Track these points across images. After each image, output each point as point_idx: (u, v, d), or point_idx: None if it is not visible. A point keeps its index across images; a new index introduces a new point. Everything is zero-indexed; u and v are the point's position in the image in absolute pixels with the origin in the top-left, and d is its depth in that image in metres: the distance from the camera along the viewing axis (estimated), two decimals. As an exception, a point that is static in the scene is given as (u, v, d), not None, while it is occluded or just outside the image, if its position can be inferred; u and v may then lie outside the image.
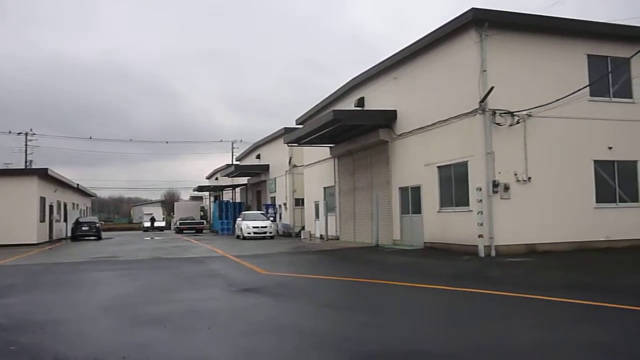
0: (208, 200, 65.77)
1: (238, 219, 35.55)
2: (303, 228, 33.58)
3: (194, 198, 76.86)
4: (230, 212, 44.66)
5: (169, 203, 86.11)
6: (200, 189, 57.63)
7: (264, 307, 9.40)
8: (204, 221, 53.43)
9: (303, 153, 33.20)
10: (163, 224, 64.04)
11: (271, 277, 13.59)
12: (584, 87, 17.04)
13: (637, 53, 16.06)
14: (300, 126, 29.71)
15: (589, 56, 18.14)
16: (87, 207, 60.91)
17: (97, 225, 40.93)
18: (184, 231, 48.31)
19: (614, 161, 18.21)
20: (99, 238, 39.53)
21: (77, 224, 39.92)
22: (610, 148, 18.07)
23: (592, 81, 17.55)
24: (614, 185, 18.19)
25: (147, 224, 59.81)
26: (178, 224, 50.52)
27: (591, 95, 17.82)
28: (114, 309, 9.39)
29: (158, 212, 69.30)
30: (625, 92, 18.61)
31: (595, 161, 17.96)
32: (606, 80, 18.20)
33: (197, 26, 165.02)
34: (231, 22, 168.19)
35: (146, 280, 13.58)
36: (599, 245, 17.34)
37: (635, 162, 18.52)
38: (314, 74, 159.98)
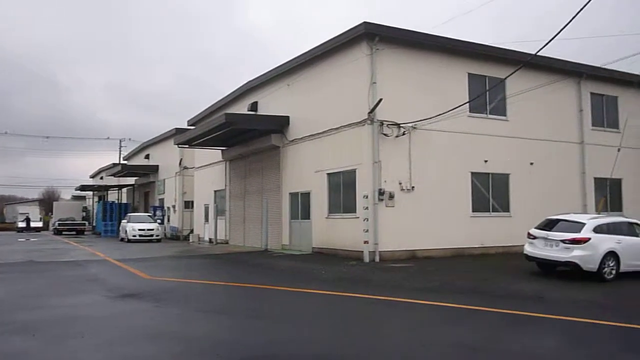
0: (92, 200, 62.58)
1: (123, 221, 34.16)
2: (192, 231, 32.90)
3: (76, 198, 72.56)
4: (115, 213, 42.71)
5: (47, 202, 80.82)
6: (83, 188, 54.69)
7: (144, 313, 9.14)
8: (86, 222, 50.67)
9: (194, 155, 32.56)
10: (40, 224, 60.02)
11: (154, 282, 13.21)
12: (464, 104, 18.14)
13: (511, 74, 17.35)
14: (193, 127, 29.12)
15: (470, 75, 19.38)
16: (-48, 205, 55.75)
17: (-37, 225, 37.62)
18: (63, 232, 45.56)
19: (489, 173, 19.55)
20: (-35, 239, 36.37)
21: (-61, 223, 36.46)
22: (486, 161, 19.38)
23: (472, 98, 18.73)
24: (488, 196, 19.53)
25: (22, 224, 55.76)
26: (57, 224, 47.59)
27: (470, 111, 19.04)
28: (-23, 316, 8.70)
29: (35, 212, 64.58)
30: (500, 110, 20.06)
31: (472, 173, 19.19)
32: (484, 98, 19.51)
33: (87, 14, 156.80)
34: (123, 14, 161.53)
35: (17, 286, 12.72)
36: (474, 252, 18.53)
37: (507, 175, 19.99)
38: (209, 75, 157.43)
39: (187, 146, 27.56)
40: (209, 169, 30.21)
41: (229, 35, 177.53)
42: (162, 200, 39.24)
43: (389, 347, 6.90)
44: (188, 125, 31.74)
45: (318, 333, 7.72)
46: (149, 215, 34.86)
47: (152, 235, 31.03)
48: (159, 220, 34.84)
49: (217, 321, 8.63)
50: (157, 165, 40.33)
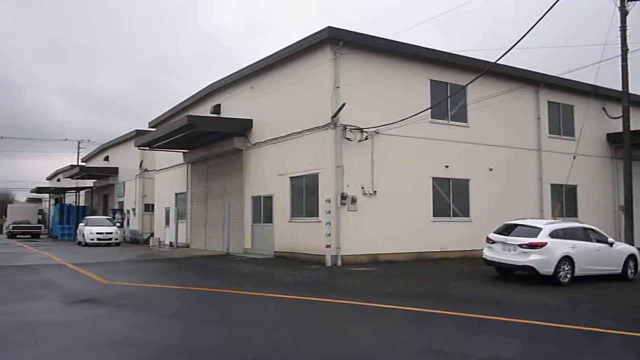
0: (48, 203, 61.00)
1: (80, 224, 33.35)
2: (152, 235, 32.36)
3: (31, 200, 70.69)
4: (72, 216, 41.75)
5: (1, 205, 78.41)
6: (40, 190, 53.28)
7: (101, 319, 8.92)
8: (42, 225, 49.38)
9: (155, 157, 32.06)
10: (-7, 227, 58.29)
11: (113, 286, 12.93)
12: (426, 110, 18.38)
13: (472, 81, 17.68)
14: (154, 129, 28.69)
15: (432, 81, 19.64)
16: None
17: None
18: (18, 236, 44.29)
19: (449, 179, 19.83)
20: None
21: None
22: (447, 167, 19.66)
23: (433, 105, 18.99)
24: (449, 201, 19.80)
25: (-26, 228, 54.04)
26: (11, 227, 46.24)
27: (432, 117, 19.29)
28: None
29: (-13, 215, 62.63)
30: (461, 116, 20.39)
31: (433, 178, 19.42)
32: (445, 105, 19.79)
33: (44, 11, 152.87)
34: (84, 12, 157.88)
35: (-33, 291, 12.24)
36: (435, 256, 18.75)
37: (467, 180, 20.32)
38: (171, 77, 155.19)
39: (148, 148, 27.13)
40: (170, 171, 29.79)
41: (192, 37, 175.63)
42: (121, 203, 38.52)
43: (353, 352, 6.90)
44: (149, 127, 31.26)
45: (281, 338, 7.66)
46: (107, 219, 34.17)
47: (110, 239, 30.38)
48: (118, 224, 34.22)
49: (175, 327, 8.49)
50: (117, 168, 39.58)
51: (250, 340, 7.41)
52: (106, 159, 42.20)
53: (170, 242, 28.20)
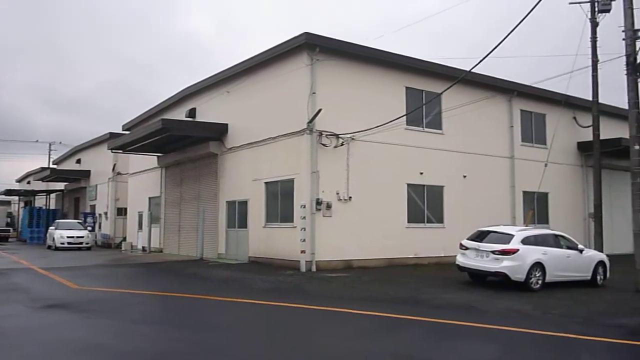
0: (17, 205, 59.83)
1: (51, 228, 32.77)
2: (124, 239, 31.92)
3: (0, 203, 69.31)
4: (42, 219, 41.11)
5: (-32, 207, 76.56)
6: (9, 192, 52.25)
7: (70, 325, 8.75)
8: (11, 229, 48.38)
9: (129, 161, 31.68)
10: (-41, 230, 56.83)
11: (83, 292, 12.70)
12: (401, 117, 18.51)
13: (447, 89, 17.85)
14: (128, 132, 28.38)
15: (407, 88, 19.78)
16: None
17: None
18: (-15, 240, 43.25)
19: (424, 185, 19.97)
20: None
21: None
22: (421, 173, 19.80)
23: (408, 112, 19.13)
24: (423, 207, 19.94)
25: (-62, 231, 52.56)
26: (-23, 231, 45.13)
27: (407, 124, 19.43)
28: None
29: (-46, 217, 61.10)
30: (436, 123, 20.57)
31: (408, 184, 19.55)
32: (420, 112, 19.95)
33: (15, 8, 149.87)
34: (56, 11, 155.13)
35: None
36: (409, 262, 18.85)
37: (442, 187, 20.49)
38: (146, 79, 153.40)
39: (121, 151, 26.84)
40: (143, 175, 29.45)
41: (168, 38, 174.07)
42: (93, 207, 37.99)
43: (326, 357, 6.88)
44: (123, 130, 30.92)
45: (252, 344, 7.60)
46: (78, 222, 33.64)
47: (81, 243, 29.91)
48: (89, 228, 33.74)
49: (146, 332, 8.37)
50: (89, 171, 39.04)
51: (222, 346, 7.35)
52: (78, 161, 41.58)
53: (143, 247, 27.84)
